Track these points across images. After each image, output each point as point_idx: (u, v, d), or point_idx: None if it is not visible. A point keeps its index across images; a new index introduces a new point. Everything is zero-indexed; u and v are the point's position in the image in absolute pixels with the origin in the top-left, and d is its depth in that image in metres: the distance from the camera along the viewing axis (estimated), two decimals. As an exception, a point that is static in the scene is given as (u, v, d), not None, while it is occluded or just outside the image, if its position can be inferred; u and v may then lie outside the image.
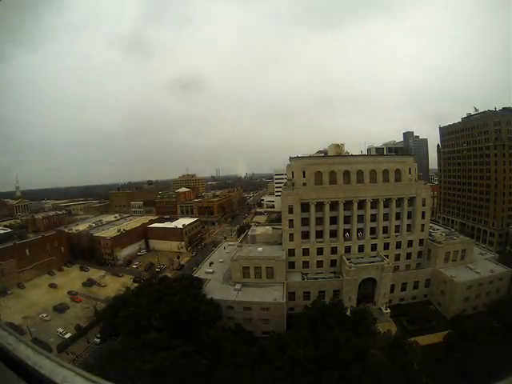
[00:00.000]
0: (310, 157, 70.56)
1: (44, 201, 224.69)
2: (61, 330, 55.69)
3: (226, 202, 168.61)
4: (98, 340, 50.47)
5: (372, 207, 61.49)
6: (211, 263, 68.06)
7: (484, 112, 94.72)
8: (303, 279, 58.84)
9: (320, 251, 61.50)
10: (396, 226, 62.90)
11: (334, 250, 61.39)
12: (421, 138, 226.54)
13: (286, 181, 68.53)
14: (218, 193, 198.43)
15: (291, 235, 61.32)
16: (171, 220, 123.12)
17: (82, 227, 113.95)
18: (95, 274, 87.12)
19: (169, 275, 71.35)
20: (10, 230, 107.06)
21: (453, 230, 77.08)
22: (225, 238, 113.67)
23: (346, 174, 61.97)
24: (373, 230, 62.61)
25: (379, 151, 73.31)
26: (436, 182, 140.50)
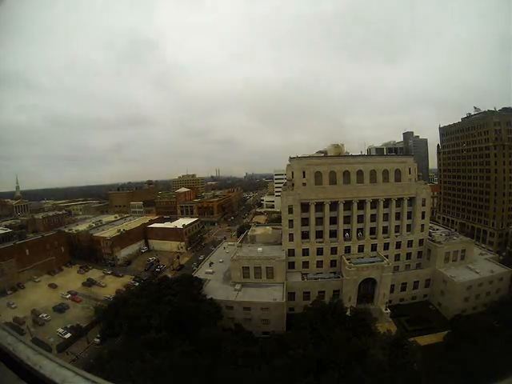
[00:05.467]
0: (309, 157, 70.54)
1: (44, 201, 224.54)
2: (61, 330, 55.71)
3: (226, 202, 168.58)
4: (98, 340, 50.45)
5: (372, 207, 61.53)
6: (211, 263, 68.07)
7: (484, 112, 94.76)
8: (303, 279, 58.87)
9: (320, 251, 61.51)
10: (396, 226, 62.93)
11: (333, 250, 61.40)
12: (421, 138, 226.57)
13: (285, 181, 68.51)
14: (217, 193, 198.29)
15: (291, 235, 61.33)
16: (171, 220, 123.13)
17: (81, 227, 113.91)
18: (95, 274, 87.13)
19: (169, 275, 71.33)
20: (9, 230, 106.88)
21: (453, 230, 77.11)
22: (225, 238, 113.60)
23: (346, 174, 62.00)
24: (373, 230, 62.64)
25: (379, 151, 73.39)
26: (436, 182, 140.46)
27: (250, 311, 49.77)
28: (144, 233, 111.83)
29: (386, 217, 62.43)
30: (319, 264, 61.80)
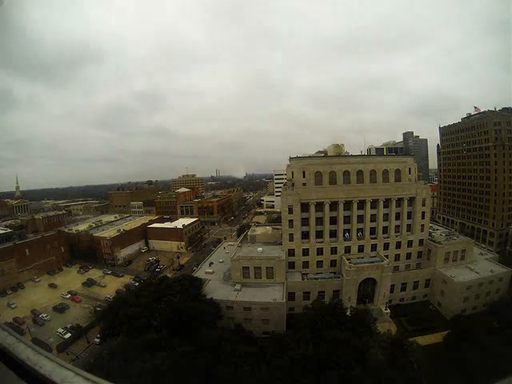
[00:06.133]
0: (309, 157, 70.54)
1: (44, 201, 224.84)
2: (61, 330, 55.73)
3: (226, 202, 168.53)
4: (98, 340, 50.46)
5: (372, 207, 61.52)
6: (211, 263, 68.07)
7: (484, 112, 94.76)
8: (303, 279, 58.86)
9: (320, 251, 61.51)
10: (396, 226, 62.92)
11: (333, 250, 61.41)
12: (421, 138, 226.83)
13: (285, 181, 68.50)
14: (217, 193, 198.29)
15: (291, 235, 61.32)
16: (171, 220, 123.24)
17: (81, 227, 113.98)
18: (95, 274, 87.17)
19: (169, 275, 71.35)
20: (9, 230, 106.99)
21: (453, 230, 77.11)
22: (225, 238, 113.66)
23: (346, 174, 62.00)
24: (373, 230, 62.63)
25: (379, 151, 73.38)
26: (436, 182, 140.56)
27: (250, 311, 49.74)
28: (144, 233, 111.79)
29: (385, 217, 62.43)
30: (319, 264, 61.81)
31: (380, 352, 34.00)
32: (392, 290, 57.13)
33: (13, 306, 66.46)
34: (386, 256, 59.88)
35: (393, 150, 75.83)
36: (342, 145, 71.29)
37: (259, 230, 75.88)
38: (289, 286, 54.85)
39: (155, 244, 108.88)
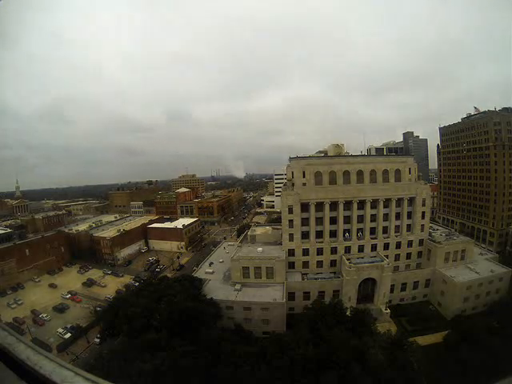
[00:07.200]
0: (309, 157, 70.52)
1: (44, 201, 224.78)
2: (61, 330, 55.74)
3: (226, 202, 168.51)
4: (98, 340, 50.46)
5: (372, 207, 61.50)
6: (211, 263, 68.07)
7: (484, 112, 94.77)
8: (303, 279, 58.85)
9: (320, 251, 61.51)
10: (396, 226, 62.90)
11: (333, 250, 61.40)
12: (421, 138, 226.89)
13: (285, 181, 68.52)
14: (217, 193, 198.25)
15: (291, 235, 61.33)
16: (171, 220, 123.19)
17: (81, 227, 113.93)
18: (95, 274, 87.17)
19: (169, 275, 71.37)
20: (9, 230, 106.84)
21: (453, 230, 77.11)
22: (225, 238, 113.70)
23: (346, 174, 61.99)
24: (373, 230, 62.62)
25: (379, 151, 73.42)
26: (436, 182, 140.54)
27: (250, 311, 49.74)
28: (144, 233, 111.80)
29: (385, 217, 62.39)
30: (319, 264, 61.79)
31: (380, 352, 33.98)
32: (392, 290, 57.09)
33: (13, 306, 66.47)
34: (386, 256, 59.85)
35: (393, 150, 75.94)
36: (342, 145, 71.36)
37: (259, 230, 75.87)
38: (289, 286, 54.84)
39: (155, 244, 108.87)
